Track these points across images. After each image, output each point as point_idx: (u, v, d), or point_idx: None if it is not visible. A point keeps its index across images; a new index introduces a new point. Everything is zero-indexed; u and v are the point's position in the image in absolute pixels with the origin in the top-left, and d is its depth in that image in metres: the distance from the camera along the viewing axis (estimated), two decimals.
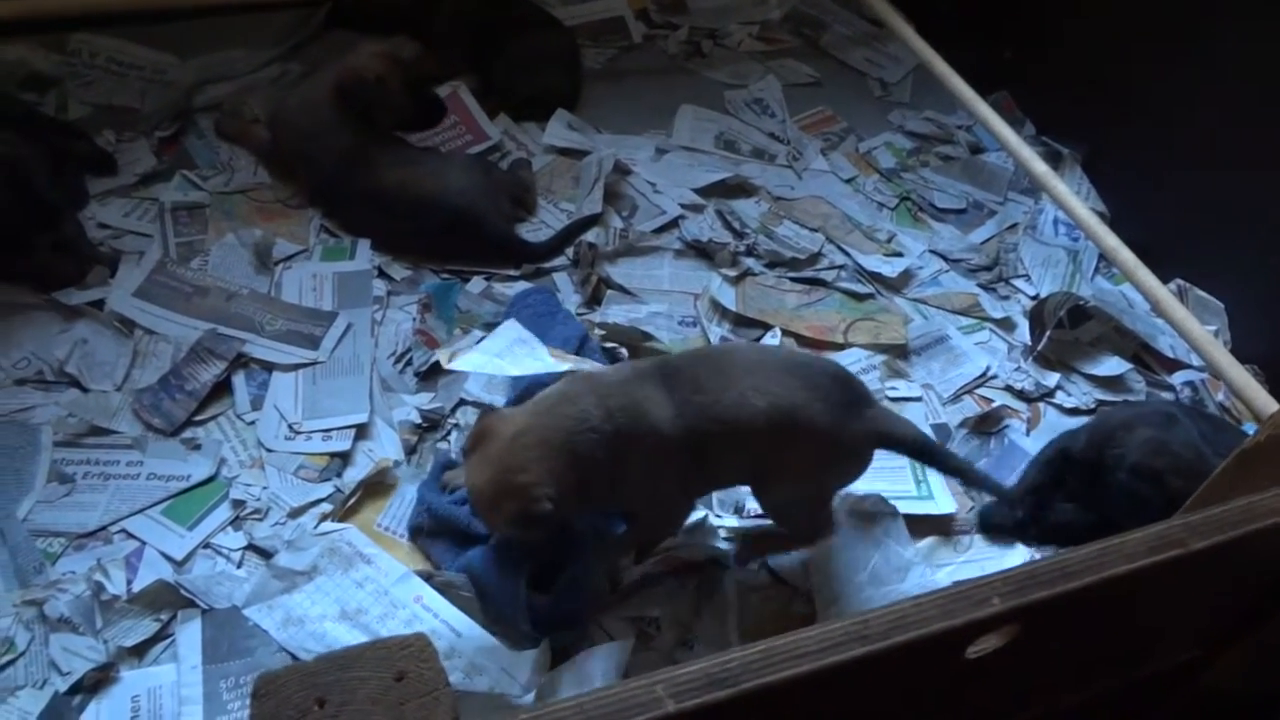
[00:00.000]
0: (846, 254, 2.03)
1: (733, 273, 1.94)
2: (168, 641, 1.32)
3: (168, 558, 1.41)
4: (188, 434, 1.56)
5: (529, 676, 1.28)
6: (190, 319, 1.70)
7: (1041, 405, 1.84)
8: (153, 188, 1.91)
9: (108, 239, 1.82)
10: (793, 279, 1.97)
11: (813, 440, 1.35)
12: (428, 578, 1.37)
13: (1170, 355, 1.92)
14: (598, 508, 1.41)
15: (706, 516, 1.56)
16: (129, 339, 1.66)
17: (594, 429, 1.26)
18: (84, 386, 1.59)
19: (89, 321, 1.68)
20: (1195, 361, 1.89)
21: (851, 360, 1.84)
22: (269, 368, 1.66)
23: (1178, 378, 1.89)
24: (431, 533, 1.45)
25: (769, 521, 1.50)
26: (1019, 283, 2.07)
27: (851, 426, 1.37)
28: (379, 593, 1.35)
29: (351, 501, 1.50)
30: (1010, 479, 1.70)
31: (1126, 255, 1.88)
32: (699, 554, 1.48)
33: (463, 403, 1.65)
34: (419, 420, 1.60)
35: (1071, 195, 1.97)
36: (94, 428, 1.54)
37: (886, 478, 1.66)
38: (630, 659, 1.36)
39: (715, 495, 1.58)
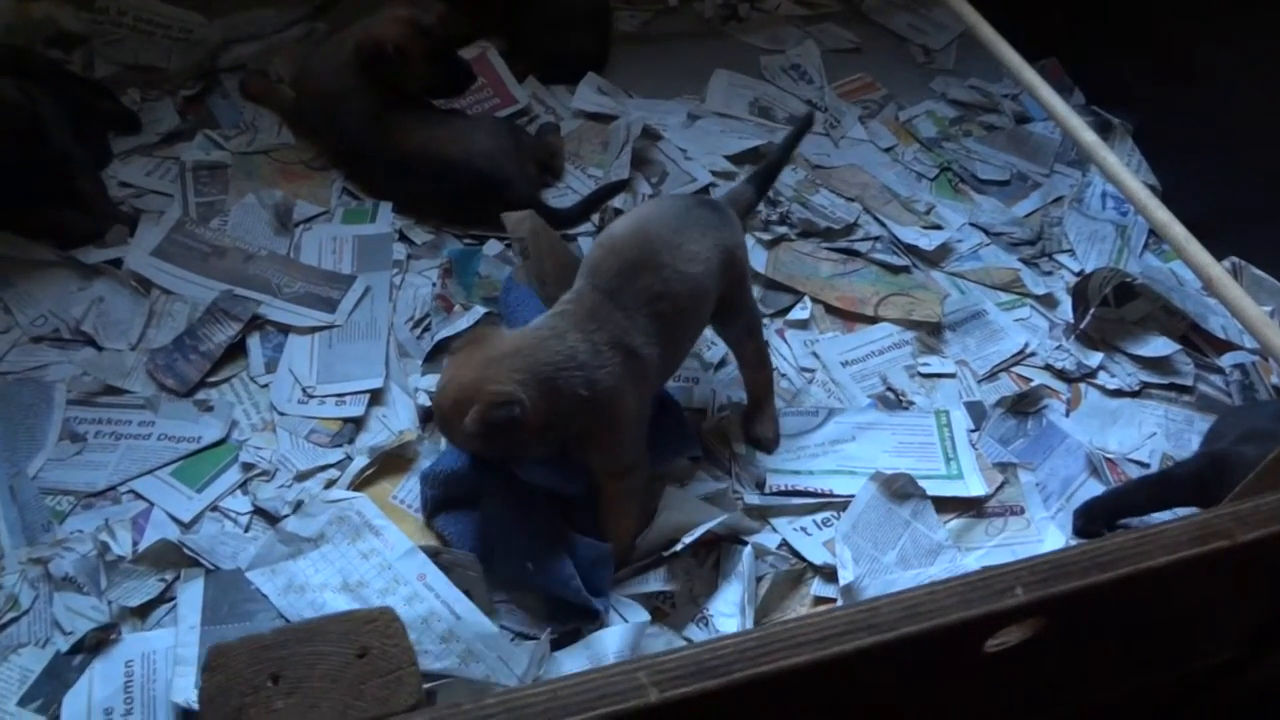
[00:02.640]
0: (883, 225, 1.96)
1: (766, 236, 1.87)
2: (171, 604, 1.30)
3: (175, 519, 1.39)
4: (200, 395, 1.53)
5: (526, 668, 1.24)
6: (207, 279, 1.67)
7: (1083, 386, 1.76)
8: (175, 147, 1.89)
9: (129, 198, 1.80)
10: (827, 249, 1.90)
11: (738, 261, 1.47)
12: (434, 554, 1.33)
13: (1221, 336, 1.83)
14: (552, 448, 1.34)
15: (726, 490, 1.51)
16: (145, 299, 1.64)
17: (580, 366, 1.27)
18: (99, 345, 1.57)
19: (107, 280, 1.66)
20: (1248, 343, 1.80)
21: (882, 335, 1.78)
22: (285, 330, 1.63)
23: (1227, 359, 1.80)
24: (443, 503, 1.41)
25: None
26: (1063, 258, 1.99)
27: (739, 230, 1.50)
28: (383, 566, 1.32)
29: (369, 471, 1.47)
30: (1047, 463, 1.63)
31: (1178, 230, 1.78)
32: (718, 528, 1.43)
33: None
34: (428, 403, 1.55)
35: (1122, 167, 1.87)
36: (107, 387, 1.52)
37: (915, 453, 1.60)
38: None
39: (735, 471, 1.53)
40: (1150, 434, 1.71)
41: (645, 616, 1.33)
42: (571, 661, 1.28)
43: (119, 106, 1.92)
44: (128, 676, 1.23)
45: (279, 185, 1.84)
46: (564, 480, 1.38)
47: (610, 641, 1.28)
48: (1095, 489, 1.60)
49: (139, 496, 1.41)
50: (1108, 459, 1.64)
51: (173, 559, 1.33)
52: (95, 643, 1.25)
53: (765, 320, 1.77)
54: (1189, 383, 1.77)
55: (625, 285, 1.33)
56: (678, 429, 1.52)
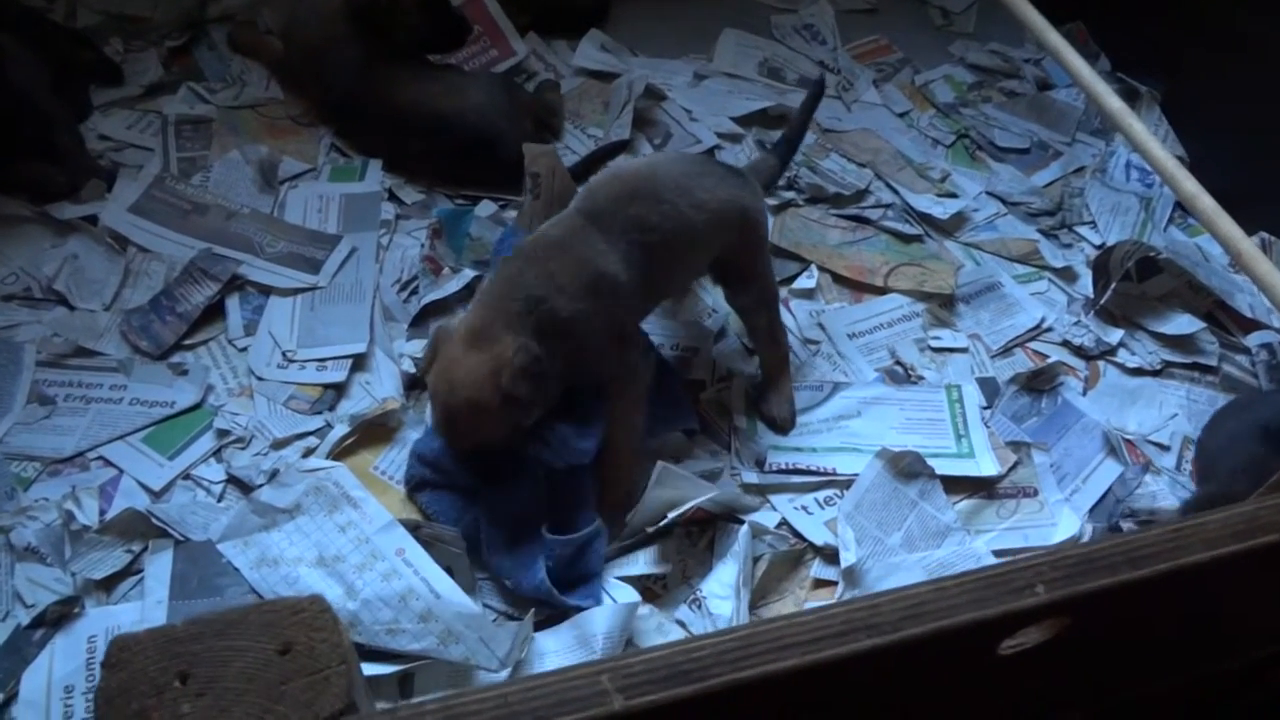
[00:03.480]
0: (895, 192, 1.88)
1: (773, 201, 1.79)
2: (138, 577, 1.24)
3: (145, 488, 1.32)
4: (175, 358, 1.46)
5: (508, 651, 1.18)
6: (186, 237, 1.60)
7: (1101, 363, 1.68)
8: (158, 100, 1.81)
9: (108, 151, 1.72)
10: (836, 216, 1.82)
11: (753, 224, 1.43)
12: (415, 528, 1.26)
13: (1248, 314, 1.74)
14: (566, 385, 1.30)
15: (724, 467, 1.44)
16: (121, 257, 1.57)
17: (544, 299, 1.23)
18: (71, 305, 1.50)
19: (81, 237, 1.59)
20: (1276, 322, 1.72)
21: (892, 306, 1.70)
22: (266, 291, 1.55)
23: (1254, 339, 1.72)
24: (435, 485, 1.35)
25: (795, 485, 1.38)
26: (1083, 230, 1.90)
27: (760, 197, 1.47)
28: (360, 540, 1.25)
29: (349, 440, 1.40)
30: (1062, 443, 1.56)
31: (1207, 202, 1.69)
32: (713, 506, 1.36)
33: None
34: (414, 370, 1.48)
35: (1149, 135, 1.77)
36: (79, 348, 1.45)
37: (923, 430, 1.53)
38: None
39: (735, 447, 1.46)
40: (1171, 415, 1.63)
41: (636, 597, 1.27)
42: (555, 641, 1.22)
43: (100, 57, 1.84)
44: (90, 653, 1.16)
45: (265, 141, 1.77)
46: (574, 449, 1.32)
47: (598, 621, 1.21)
48: (1113, 471, 1.53)
49: (108, 463, 1.35)
50: (1126, 440, 1.57)
51: (141, 529, 1.26)
52: (57, 616, 1.18)
53: None
54: (1213, 362, 1.69)
55: (617, 209, 1.31)
56: (673, 400, 1.45)
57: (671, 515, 1.31)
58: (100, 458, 1.35)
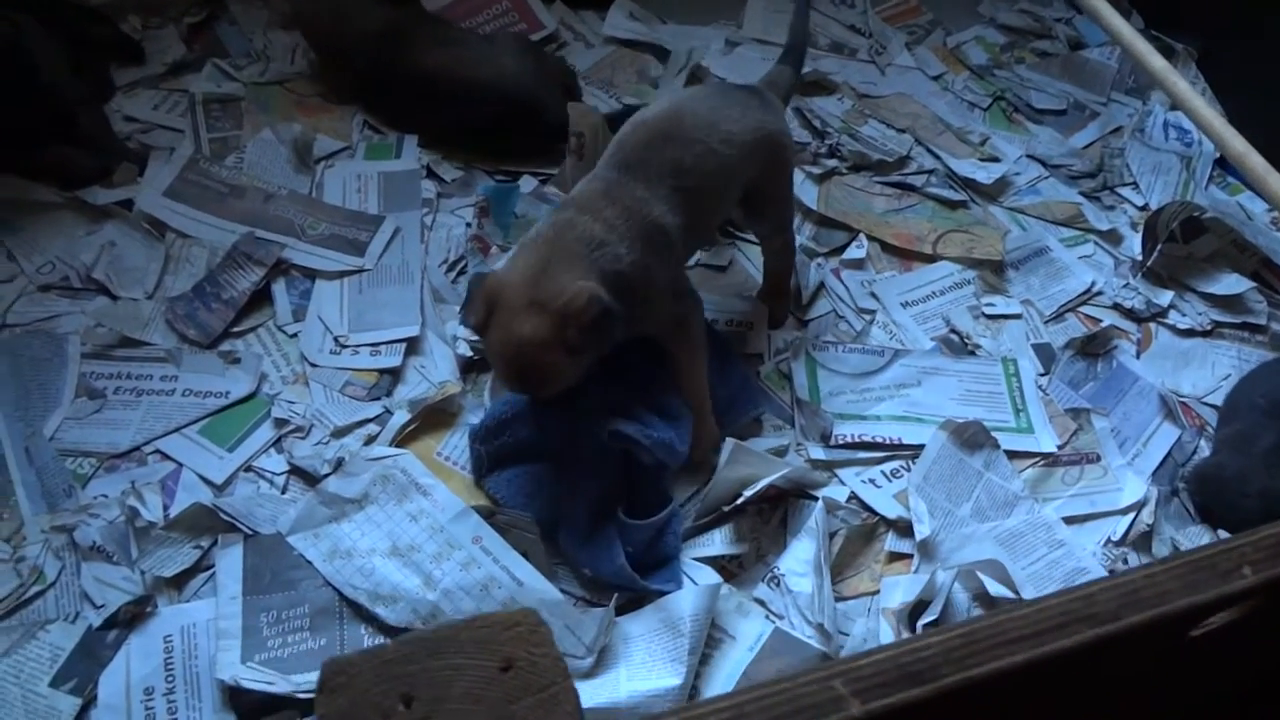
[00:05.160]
0: (937, 157, 1.85)
1: (816, 170, 1.76)
2: (208, 573, 1.21)
3: (207, 481, 1.29)
4: (225, 346, 1.43)
5: (594, 637, 1.16)
6: (225, 221, 1.56)
7: (1153, 326, 1.67)
8: (183, 78, 1.76)
9: (135, 133, 1.67)
10: (880, 183, 1.79)
11: (778, 147, 1.40)
12: (489, 515, 1.24)
13: None
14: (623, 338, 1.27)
15: (789, 444, 1.42)
16: (160, 243, 1.52)
17: (605, 242, 1.19)
18: (113, 294, 1.46)
19: (117, 223, 1.54)
20: None
21: (943, 274, 1.68)
22: (311, 275, 1.52)
23: None
24: (495, 459, 1.32)
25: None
26: (1125, 191, 1.88)
27: (781, 116, 1.44)
28: (434, 529, 1.23)
29: (411, 426, 1.37)
30: (1120, 407, 1.55)
31: (1256, 160, 1.68)
32: (784, 483, 1.34)
33: None
34: (469, 353, 1.45)
35: (1195, 94, 1.76)
36: (124, 338, 1.41)
37: (983, 403, 1.52)
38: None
39: (799, 423, 1.44)
40: (1225, 375, 1.62)
41: (716, 579, 1.25)
42: (640, 625, 1.20)
43: (118, 34, 1.78)
44: (167, 652, 1.14)
45: (296, 119, 1.72)
46: (676, 453, 1.30)
47: (684, 604, 1.19)
48: (1171, 434, 1.52)
49: (166, 457, 1.31)
50: (1181, 402, 1.56)
51: (208, 524, 1.23)
52: (130, 616, 1.15)
53: (820, 259, 1.67)
54: (1262, 321, 1.68)
55: (650, 156, 1.27)
56: (741, 383, 1.43)
57: (746, 494, 1.29)
58: (157, 451, 1.32)
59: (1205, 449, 1.51)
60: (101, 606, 1.16)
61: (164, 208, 1.55)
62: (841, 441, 1.43)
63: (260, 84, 1.76)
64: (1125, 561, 1.37)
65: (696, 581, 1.25)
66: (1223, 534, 1.37)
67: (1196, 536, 1.39)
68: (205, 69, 1.76)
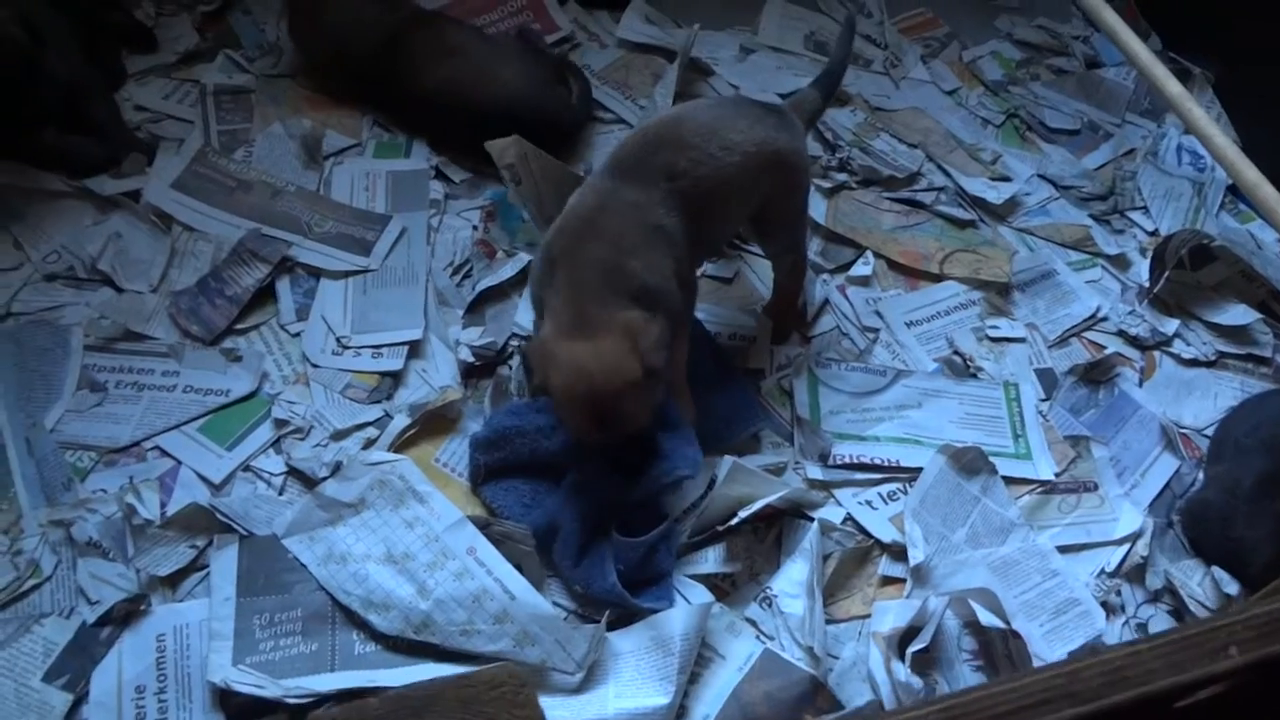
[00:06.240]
0: (948, 175, 1.84)
1: (826, 184, 1.76)
2: (202, 573, 1.21)
3: (205, 479, 1.30)
4: (227, 343, 1.43)
5: (584, 653, 1.16)
6: (232, 216, 1.56)
7: (1157, 354, 1.67)
8: (194, 68, 1.76)
9: (145, 123, 1.67)
10: (889, 199, 1.79)
11: (790, 167, 1.38)
12: (484, 525, 1.24)
13: None
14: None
15: (787, 462, 1.42)
16: (166, 235, 1.52)
17: (618, 264, 1.20)
18: (118, 286, 1.46)
19: (124, 214, 1.54)
20: None
21: (948, 294, 1.68)
22: (316, 274, 1.52)
23: None
24: (493, 470, 1.32)
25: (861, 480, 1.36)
26: (1135, 215, 1.87)
27: (798, 137, 1.42)
28: (429, 537, 1.23)
29: (410, 431, 1.37)
30: (1120, 435, 1.55)
31: (1269, 191, 1.67)
32: (781, 502, 1.34)
33: (515, 336, 1.49)
34: (471, 359, 1.45)
35: (1210, 122, 1.75)
36: (128, 332, 1.42)
37: (983, 427, 1.52)
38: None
39: (799, 442, 1.44)
40: (1226, 407, 1.61)
41: (709, 597, 1.26)
42: (630, 642, 1.21)
43: (131, 21, 1.78)
44: (160, 651, 1.14)
45: (306, 114, 1.72)
46: (692, 459, 1.30)
47: (676, 622, 1.20)
48: (1170, 465, 1.52)
49: (165, 453, 1.32)
50: (1181, 433, 1.56)
51: (204, 524, 1.24)
52: (124, 614, 1.16)
53: (826, 276, 1.66)
54: (1267, 354, 1.68)
55: (645, 159, 1.28)
56: (741, 399, 1.43)
57: (743, 514, 1.29)
58: (157, 448, 1.32)
59: (1202, 481, 1.51)
60: (96, 603, 1.17)
61: (172, 200, 1.55)
62: (840, 462, 1.43)
63: (272, 76, 1.76)
64: (1118, 594, 1.37)
65: (689, 599, 1.25)
66: (1216, 571, 1.37)
67: (1190, 571, 1.39)
68: (218, 59, 1.76)
